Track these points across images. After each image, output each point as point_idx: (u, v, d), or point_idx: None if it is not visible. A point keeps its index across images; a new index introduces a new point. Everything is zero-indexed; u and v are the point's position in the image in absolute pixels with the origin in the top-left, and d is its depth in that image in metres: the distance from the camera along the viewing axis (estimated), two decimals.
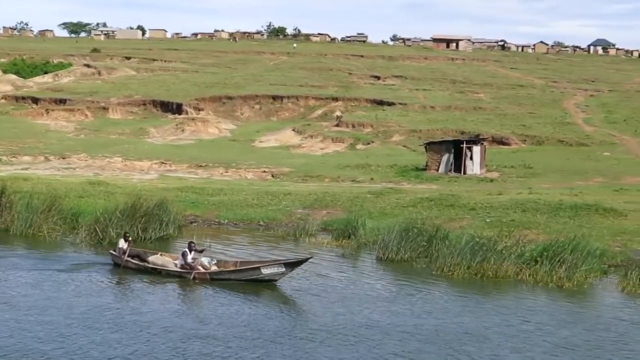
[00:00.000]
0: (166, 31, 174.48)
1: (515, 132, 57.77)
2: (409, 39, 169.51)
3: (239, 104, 73.92)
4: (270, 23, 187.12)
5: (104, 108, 70.47)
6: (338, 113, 68.97)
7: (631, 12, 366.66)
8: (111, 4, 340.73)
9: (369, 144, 56.34)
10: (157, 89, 77.54)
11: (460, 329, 17.16)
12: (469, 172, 42.52)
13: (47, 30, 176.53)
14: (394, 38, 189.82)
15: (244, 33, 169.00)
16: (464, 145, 43.03)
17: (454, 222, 27.08)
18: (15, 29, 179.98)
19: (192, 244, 21.58)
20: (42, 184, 32.05)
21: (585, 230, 24.81)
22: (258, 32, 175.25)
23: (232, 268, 21.20)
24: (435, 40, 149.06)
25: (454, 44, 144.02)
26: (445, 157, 43.15)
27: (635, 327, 17.81)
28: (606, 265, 22.66)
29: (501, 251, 22.07)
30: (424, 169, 43.55)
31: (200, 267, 21.04)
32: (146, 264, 21.62)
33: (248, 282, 20.49)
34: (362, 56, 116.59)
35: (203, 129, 63.23)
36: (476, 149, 43.18)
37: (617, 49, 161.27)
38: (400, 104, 71.43)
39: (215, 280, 20.65)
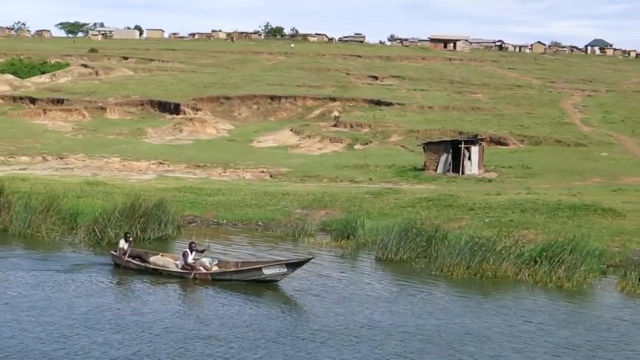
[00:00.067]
0: (164, 31, 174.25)
1: (513, 132, 57.86)
2: (406, 39, 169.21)
3: (237, 104, 73.92)
4: (267, 23, 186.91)
5: (101, 108, 70.45)
6: (336, 113, 68.98)
7: (628, 12, 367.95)
8: (108, 4, 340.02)
9: (367, 144, 56.38)
10: (154, 89, 77.47)
11: (461, 329, 17.17)
12: (467, 172, 42.58)
13: (44, 30, 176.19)
14: (392, 38, 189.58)
15: (242, 33, 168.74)
16: (462, 145, 43.09)
17: (452, 223, 27.10)
18: (12, 29, 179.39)
19: (193, 245, 21.58)
20: (40, 184, 32.01)
21: (584, 231, 24.85)
22: (256, 32, 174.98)
23: (233, 269, 21.20)
24: (432, 40, 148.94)
25: (452, 44, 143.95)
26: (443, 158, 43.20)
27: (636, 327, 17.82)
28: (605, 266, 22.69)
29: (500, 251, 22.07)
30: (422, 169, 43.59)
31: (201, 268, 21.03)
32: (147, 265, 21.61)
33: (249, 283, 20.50)
34: (359, 56, 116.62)
35: (201, 129, 63.24)
36: (474, 149, 43.24)
37: (615, 49, 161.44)
38: (398, 104, 71.52)
39: (216, 280, 20.65)
